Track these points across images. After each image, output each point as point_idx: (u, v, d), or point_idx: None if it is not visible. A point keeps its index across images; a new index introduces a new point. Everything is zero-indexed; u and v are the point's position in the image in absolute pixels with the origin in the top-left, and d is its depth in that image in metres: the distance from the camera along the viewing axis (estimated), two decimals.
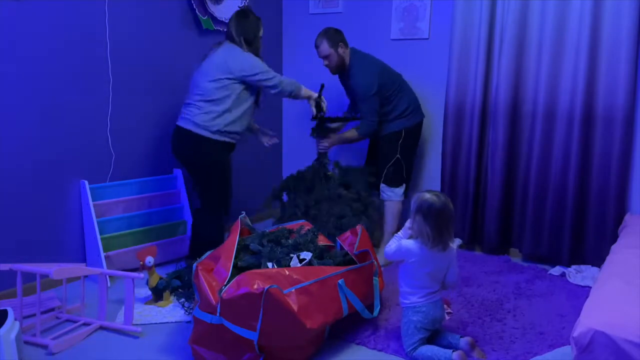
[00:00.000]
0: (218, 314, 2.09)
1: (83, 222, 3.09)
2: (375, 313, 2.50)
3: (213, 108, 2.88)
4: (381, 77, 3.31)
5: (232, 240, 2.41)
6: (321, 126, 3.41)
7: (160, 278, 2.79)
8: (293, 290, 2.11)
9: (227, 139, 2.97)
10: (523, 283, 3.08)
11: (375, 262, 2.52)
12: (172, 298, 2.82)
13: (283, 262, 2.38)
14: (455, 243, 3.23)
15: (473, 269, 3.30)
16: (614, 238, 3.01)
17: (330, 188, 3.26)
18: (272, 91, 3.01)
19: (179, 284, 2.87)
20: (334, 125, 3.55)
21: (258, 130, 3.38)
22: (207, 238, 2.97)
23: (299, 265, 2.38)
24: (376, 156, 3.53)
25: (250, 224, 2.75)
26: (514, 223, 3.56)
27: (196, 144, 2.91)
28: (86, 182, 3.03)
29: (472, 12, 3.47)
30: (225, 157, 3.02)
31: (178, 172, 3.56)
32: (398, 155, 3.42)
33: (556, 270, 3.26)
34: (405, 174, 3.49)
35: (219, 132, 2.91)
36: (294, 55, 4.40)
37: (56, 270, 2.29)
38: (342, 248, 2.62)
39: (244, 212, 2.75)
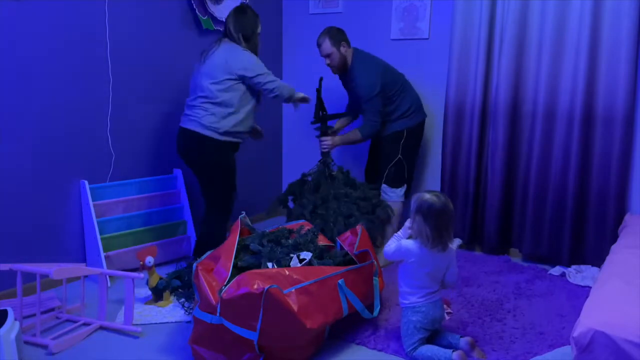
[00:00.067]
0: (218, 314, 2.09)
1: (83, 222, 3.09)
2: (375, 313, 2.50)
3: (220, 110, 2.87)
4: (384, 77, 3.30)
5: (232, 240, 2.41)
6: (324, 124, 3.40)
7: (160, 278, 2.80)
8: (293, 290, 2.11)
9: (234, 139, 2.97)
10: (523, 283, 3.08)
11: (375, 262, 2.52)
12: (172, 298, 2.82)
13: (283, 262, 2.38)
14: (455, 243, 3.23)
15: (473, 269, 3.30)
16: (614, 238, 3.01)
17: (335, 187, 3.26)
18: (271, 95, 3.00)
19: (179, 284, 2.87)
20: (336, 126, 3.56)
21: (259, 131, 3.34)
22: (213, 238, 2.95)
23: (299, 265, 2.38)
24: (378, 156, 3.53)
25: (250, 224, 2.75)
26: (514, 223, 3.56)
27: (204, 145, 2.90)
28: (86, 182, 3.03)
29: (472, 12, 3.47)
30: (231, 157, 3.03)
31: (178, 172, 3.56)
32: (400, 156, 3.41)
33: (556, 270, 3.26)
34: (407, 174, 3.49)
35: (226, 133, 2.91)
36: (294, 56, 4.40)
37: (56, 270, 2.29)
38: (342, 248, 2.62)
39: (244, 212, 2.75)
